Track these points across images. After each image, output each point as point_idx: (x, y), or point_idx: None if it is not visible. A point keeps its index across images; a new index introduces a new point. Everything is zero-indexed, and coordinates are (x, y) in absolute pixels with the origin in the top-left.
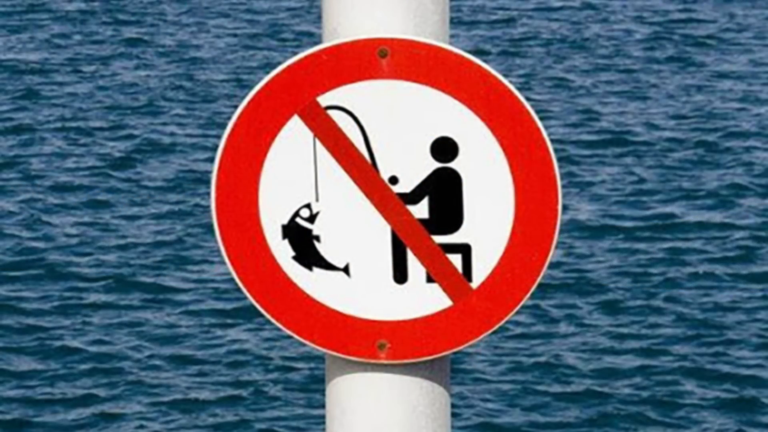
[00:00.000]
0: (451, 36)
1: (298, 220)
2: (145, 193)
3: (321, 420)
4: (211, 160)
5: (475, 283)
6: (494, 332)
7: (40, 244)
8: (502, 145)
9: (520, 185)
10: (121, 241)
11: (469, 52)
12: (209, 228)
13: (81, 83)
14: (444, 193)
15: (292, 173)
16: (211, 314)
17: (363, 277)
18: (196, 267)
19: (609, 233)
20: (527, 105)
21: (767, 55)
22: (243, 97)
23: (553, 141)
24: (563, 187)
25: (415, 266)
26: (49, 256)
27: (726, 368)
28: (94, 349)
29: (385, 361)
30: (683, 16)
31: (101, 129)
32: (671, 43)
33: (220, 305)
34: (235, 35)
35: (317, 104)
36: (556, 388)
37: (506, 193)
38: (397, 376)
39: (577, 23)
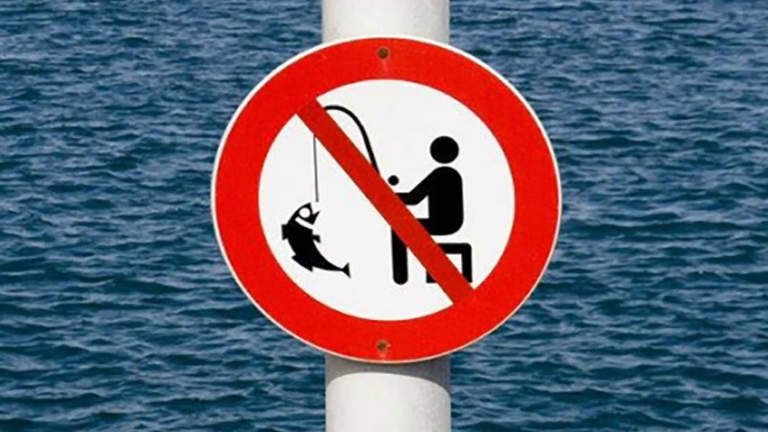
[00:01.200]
0: (451, 36)
1: (298, 220)
2: (145, 193)
3: (321, 420)
4: (211, 160)
5: (475, 283)
6: (494, 332)
7: (40, 244)
8: (502, 145)
9: (520, 185)
10: (121, 241)
11: (469, 52)
12: (209, 228)
13: (81, 83)
14: (444, 193)
15: (292, 173)
16: (211, 314)
17: (363, 277)
18: (196, 267)
19: (609, 233)
20: (527, 105)
21: (767, 55)
22: (243, 97)
23: (553, 141)
24: (563, 187)
25: (415, 266)
26: (49, 256)
27: (726, 368)
28: (94, 349)
29: (385, 361)
30: (683, 16)
31: (101, 129)
32: (671, 43)
33: (220, 305)
34: (235, 35)
35: (317, 104)
36: (556, 388)
37: (506, 193)
38: (397, 376)
39: (577, 23)
